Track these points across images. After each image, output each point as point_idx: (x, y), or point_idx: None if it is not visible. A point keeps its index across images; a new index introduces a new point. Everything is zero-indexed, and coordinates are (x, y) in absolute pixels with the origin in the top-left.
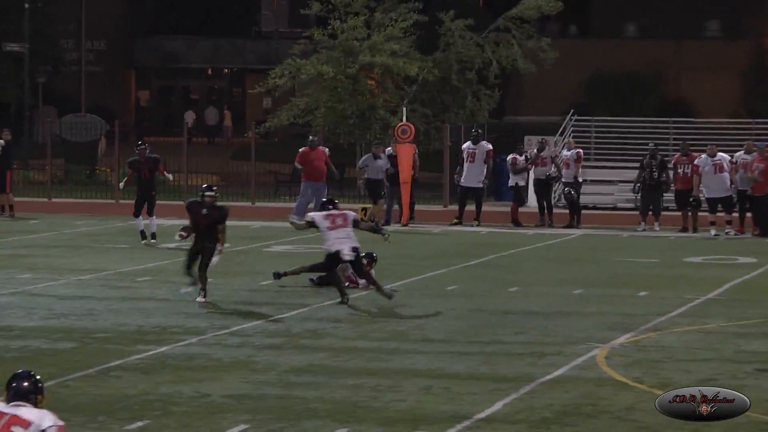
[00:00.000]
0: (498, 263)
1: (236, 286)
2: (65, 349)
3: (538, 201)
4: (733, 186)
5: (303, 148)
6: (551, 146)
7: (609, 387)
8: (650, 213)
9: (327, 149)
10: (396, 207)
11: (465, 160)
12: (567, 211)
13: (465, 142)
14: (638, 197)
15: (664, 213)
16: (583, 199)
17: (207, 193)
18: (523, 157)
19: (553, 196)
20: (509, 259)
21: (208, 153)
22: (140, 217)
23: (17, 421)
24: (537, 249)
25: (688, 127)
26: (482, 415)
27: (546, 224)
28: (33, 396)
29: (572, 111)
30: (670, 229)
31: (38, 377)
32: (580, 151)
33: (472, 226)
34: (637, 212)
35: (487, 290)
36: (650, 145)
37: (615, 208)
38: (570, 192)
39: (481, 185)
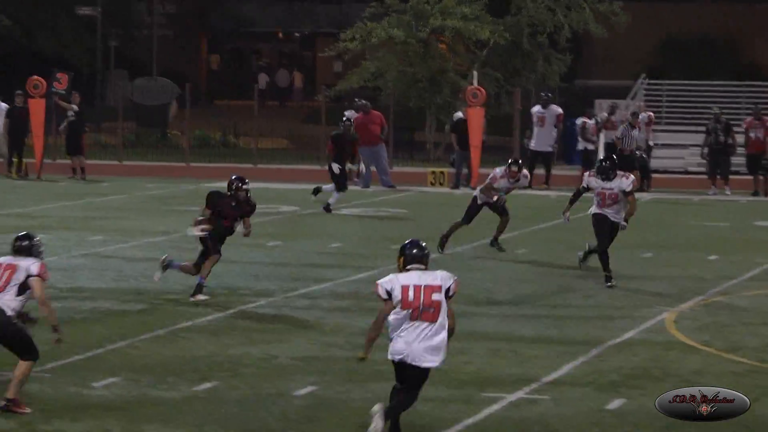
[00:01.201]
0: (567, 227)
1: (305, 249)
2: (135, 310)
3: None
4: None
5: (356, 114)
6: (621, 110)
7: (677, 350)
8: (719, 177)
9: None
10: (465, 170)
11: (535, 124)
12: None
13: (535, 106)
14: (707, 161)
15: (735, 177)
16: (654, 163)
17: (244, 186)
18: (593, 121)
19: None
20: (578, 223)
21: (279, 116)
22: None
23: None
24: None
25: (761, 91)
26: (549, 378)
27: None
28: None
29: (643, 75)
30: (741, 192)
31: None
32: (651, 114)
33: (541, 189)
34: (707, 177)
35: (557, 253)
36: (714, 109)
37: (686, 172)
38: (641, 155)
39: (550, 149)
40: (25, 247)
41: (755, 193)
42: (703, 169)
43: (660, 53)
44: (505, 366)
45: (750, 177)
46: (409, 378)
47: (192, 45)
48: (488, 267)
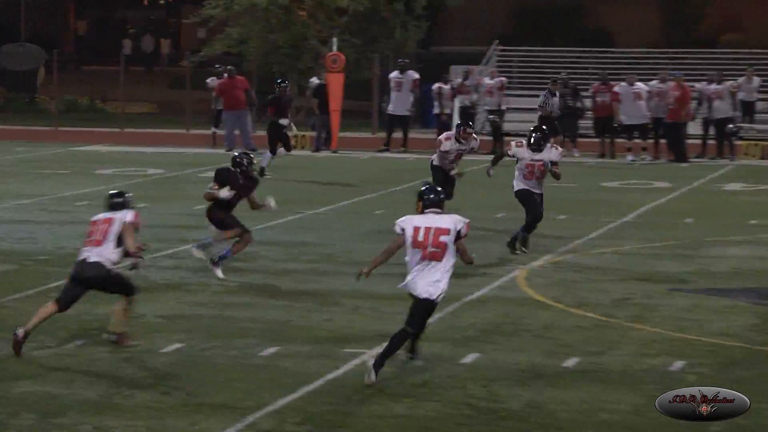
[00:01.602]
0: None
1: (171, 211)
2: (5, 271)
3: None
4: (648, 114)
5: (220, 79)
6: (475, 75)
7: (528, 306)
8: (567, 139)
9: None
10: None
11: (392, 89)
12: (490, 137)
13: (392, 72)
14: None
15: (583, 140)
16: (506, 126)
17: (251, 163)
18: (448, 86)
19: (476, 123)
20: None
21: (145, 81)
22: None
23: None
24: None
25: (608, 58)
26: None
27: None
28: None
29: (496, 41)
30: (588, 154)
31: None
32: (504, 79)
33: (399, 152)
34: None
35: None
36: (562, 74)
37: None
38: (494, 119)
39: (408, 113)
40: (119, 203)
41: (602, 156)
42: None
43: (512, 21)
44: (365, 323)
45: (597, 140)
46: (413, 307)
47: (59, 11)
48: (349, 227)
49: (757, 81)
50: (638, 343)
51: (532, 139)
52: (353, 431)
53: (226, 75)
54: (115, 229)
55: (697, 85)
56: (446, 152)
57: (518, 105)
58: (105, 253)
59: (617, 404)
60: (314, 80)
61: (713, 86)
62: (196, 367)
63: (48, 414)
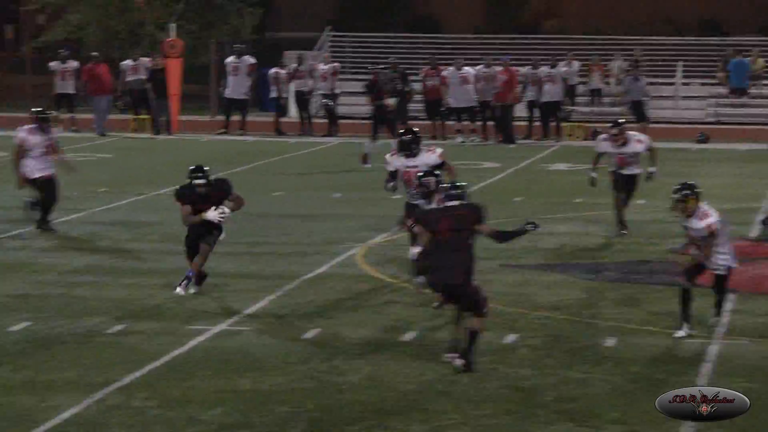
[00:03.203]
0: (263, 169)
1: (17, 193)
2: None
3: (299, 112)
4: (476, 96)
5: (87, 64)
6: (308, 61)
7: (367, 283)
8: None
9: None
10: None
11: (229, 74)
12: (326, 120)
13: (229, 57)
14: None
15: (414, 122)
16: (340, 110)
17: (196, 181)
18: (285, 71)
19: (312, 107)
20: (273, 166)
21: None
22: None
23: None
24: (299, 156)
25: (436, 43)
26: (250, 310)
27: (306, 133)
28: None
29: (329, 27)
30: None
31: None
32: (337, 64)
33: (238, 134)
34: None
35: (253, 195)
36: (390, 59)
37: (370, 118)
38: (328, 103)
39: (245, 96)
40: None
41: (433, 137)
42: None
43: (343, 7)
44: (209, 300)
45: (429, 122)
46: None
47: None
48: None
49: (576, 65)
50: None
51: (399, 144)
52: (199, 406)
53: (92, 62)
54: None
55: (522, 69)
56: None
57: (351, 89)
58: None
59: (454, 376)
60: (128, 63)
61: (546, 70)
62: (44, 345)
63: None
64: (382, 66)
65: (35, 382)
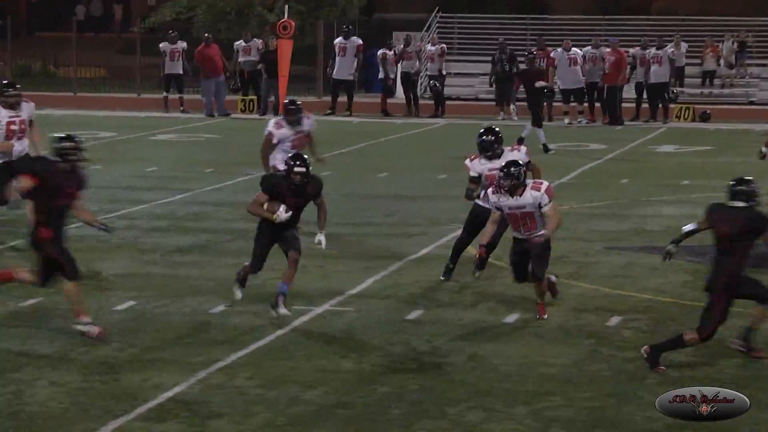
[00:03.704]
0: (368, 151)
1: (123, 173)
2: None
3: (405, 93)
4: (584, 78)
5: (199, 46)
6: (416, 42)
7: (470, 265)
8: (505, 103)
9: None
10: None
11: (336, 55)
12: (432, 102)
13: (337, 38)
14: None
15: (522, 103)
16: (447, 91)
17: (296, 169)
18: (392, 52)
19: (419, 88)
20: (379, 147)
21: (96, 47)
22: None
23: None
24: (404, 137)
25: (544, 24)
26: (354, 291)
27: (413, 114)
28: None
29: (437, 8)
30: (527, 117)
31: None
32: (444, 46)
33: (344, 116)
34: (495, 103)
35: (358, 176)
36: (500, 39)
37: (476, 99)
38: (435, 84)
39: (351, 77)
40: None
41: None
42: (491, 96)
43: None
44: (312, 281)
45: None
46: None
47: None
48: None
49: (684, 46)
50: (576, 299)
51: (481, 144)
52: (300, 386)
53: (204, 43)
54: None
55: (631, 50)
56: (279, 142)
57: (458, 70)
58: None
59: (556, 358)
60: (240, 43)
61: (653, 51)
62: (149, 324)
63: (4, 370)
64: (533, 55)
65: (140, 360)
